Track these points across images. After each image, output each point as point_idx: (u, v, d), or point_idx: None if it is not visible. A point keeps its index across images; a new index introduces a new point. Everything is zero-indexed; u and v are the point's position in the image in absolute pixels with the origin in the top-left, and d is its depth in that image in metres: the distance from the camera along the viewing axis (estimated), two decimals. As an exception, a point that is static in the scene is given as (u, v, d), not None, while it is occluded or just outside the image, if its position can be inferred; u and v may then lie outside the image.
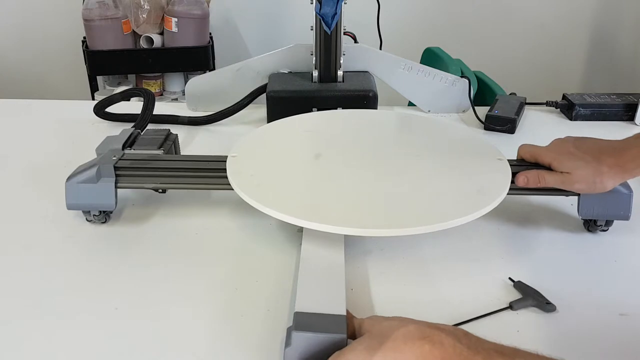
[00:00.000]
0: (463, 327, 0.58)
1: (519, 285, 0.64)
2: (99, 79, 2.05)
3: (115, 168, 0.74)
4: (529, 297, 0.62)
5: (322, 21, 0.98)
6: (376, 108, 1.02)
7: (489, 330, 0.58)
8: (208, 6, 1.98)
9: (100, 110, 1.06)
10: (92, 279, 0.66)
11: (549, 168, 0.72)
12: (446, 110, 1.13)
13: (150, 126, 0.94)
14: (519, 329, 0.59)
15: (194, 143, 1.01)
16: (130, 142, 0.81)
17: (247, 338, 0.58)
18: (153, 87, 2.07)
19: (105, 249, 0.72)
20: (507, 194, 0.69)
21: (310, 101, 1.01)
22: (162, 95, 2.11)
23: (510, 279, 0.65)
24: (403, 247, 0.72)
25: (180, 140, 1.01)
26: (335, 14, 0.97)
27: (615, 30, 2.27)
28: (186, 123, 1.07)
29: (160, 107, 1.12)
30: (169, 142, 0.83)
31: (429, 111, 1.13)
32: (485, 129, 1.06)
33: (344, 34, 1.05)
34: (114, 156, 0.75)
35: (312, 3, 0.99)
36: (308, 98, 1.02)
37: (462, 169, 0.73)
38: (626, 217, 0.72)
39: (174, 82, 2.11)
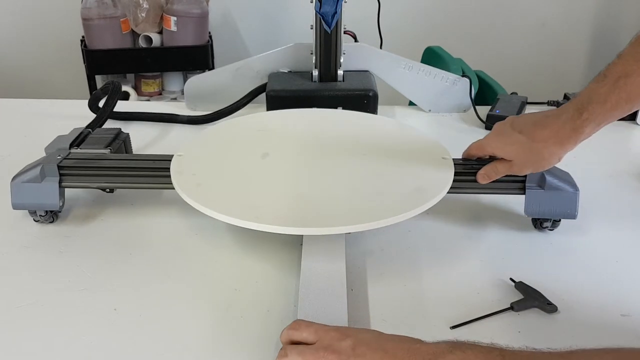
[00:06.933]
0: (464, 327, 0.58)
1: (520, 286, 0.64)
2: (98, 78, 2.04)
3: (60, 167, 0.73)
4: (530, 297, 0.62)
5: (322, 20, 0.98)
6: (376, 107, 1.02)
7: (490, 331, 0.58)
8: (207, 5, 1.97)
9: (93, 107, 1.05)
10: (92, 278, 0.66)
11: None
12: (447, 110, 1.12)
13: (148, 125, 0.93)
14: (520, 329, 0.59)
15: (194, 142, 1.01)
16: (78, 142, 0.80)
17: (247, 339, 0.57)
18: (152, 86, 2.06)
19: (104, 248, 0.71)
20: (452, 192, 0.69)
21: (310, 100, 1.01)
22: (161, 94, 2.10)
23: (511, 279, 0.65)
24: (404, 248, 0.71)
25: (179, 139, 1.01)
26: (335, 12, 0.97)
27: (617, 29, 2.27)
28: (185, 122, 1.06)
29: (159, 107, 1.12)
30: (119, 141, 0.81)
31: (430, 110, 1.13)
32: (487, 128, 1.06)
33: (344, 33, 1.04)
34: (59, 155, 0.74)
35: (312, 2, 0.99)
36: (308, 97, 1.01)
37: (406, 168, 0.72)
38: (573, 216, 0.72)
39: (173, 81, 2.10)
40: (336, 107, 0.97)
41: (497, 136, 0.72)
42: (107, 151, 0.78)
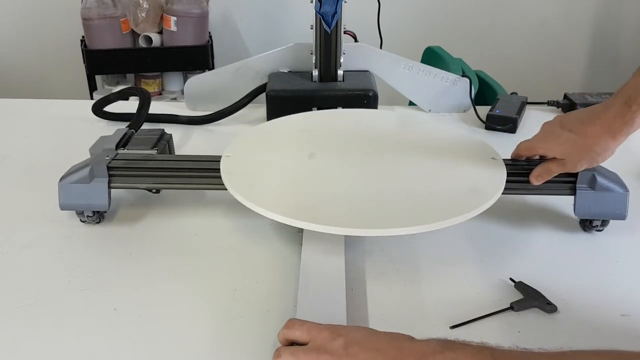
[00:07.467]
0: (463, 327, 0.58)
1: (520, 286, 0.64)
2: (98, 78, 2.04)
3: (108, 168, 0.73)
4: (530, 297, 0.62)
5: (322, 20, 0.98)
6: (376, 107, 1.02)
7: (490, 331, 0.58)
8: (207, 5, 1.97)
9: (98, 110, 1.06)
10: (92, 279, 0.66)
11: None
12: (447, 110, 1.12)
13: (147, 126, 0.94)
14: (520, 329, 0.59)
15: (193, 142, 1.01)
16: (124, 142, 0.80)
17: (247, 339, 0.57)
18: (152, 86, 2.06)
19: (104, 249, 0.71)
20: (503, 193, 0.69)
21: (310, 101, 1.01)
22: (161, 94, 2.10)
23: (511, 279, 0.65)
24: (403, 248, 0.71)
25: (179, 139, 1.01)
26: (335, 12, 0.97)
27: (617, 29, 2.27)
28: (185, 122, 1.06)
29: (160, 107, 1.12)
30: (163, 142, 0.82)
31: (430, 110, 1.13)
32: (487, 128, 1.06)
33: (344, 33, 1.04)
34: (107, 156, 0.75)
35: (312, 2, 0.99)
36: (308, 97, 1.01)
37: (457, 169, 0.72)
38: (622, 217, 0.72)
39: (173, 81, 2.10)
40: (336, 107, 0.97)
41: (547, 136, 0.72)
42: (154, 152, 0.78)
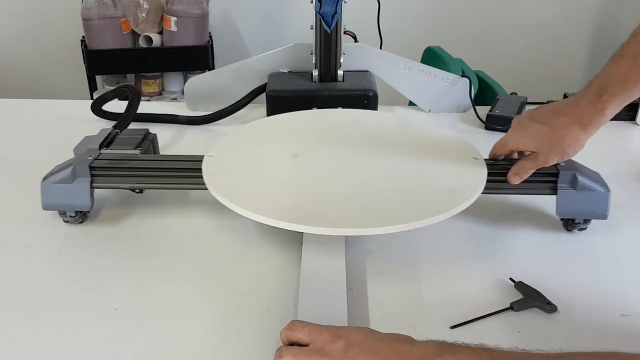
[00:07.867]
0: (463, 327, 0.58)
1: (520, 286, 0.64)
2: (98, 78, 2.04)
3: (91, 168, 0.73)
4: (530, 297, 0.62)
5: (322, 20, 0.98)
6: (376, 108, 1.02)
7: (490, 331, 0.58)
8: (207, 5, 1.97)
9: (97, 109, 1.05)
10: (92, 278, 0.66)
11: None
12: (447, 110, 1.12)
13: (148, 126, 0.93)
14: (520, 329, 0.59)
15: (193, 143, 1.01)
16: (108, 142, 0.80)
17: (247, 339, 0.57)
18: (152, 86, 2.06)
19: (104, 249, 0.71)
20: (484, 192, 0.68)
21: (310, 101, 1.01)
22: (161, 94, 2.10)
23: (511, 279, 0.65)
24: (403, 248, 0.71)
25: (178, 139, 1.01)
26: (335, 13, 0.97)
27: (617, 29, 2.26)
28: (185, 122, 1.07)
29: (160, 107, 1.12)
30: (147, 142, 0.82)
31: (430, 111, 1.13)
32: (486, 128, 1.06)
33: (344, 33, 1.05)
34: (90, 156, 0.75)
35: (312, 2, 0.99)
36: (308, 97, 1.01)
37: (437, 168, 0.72)
38: (604, 217, 0.72)
39: (173, 81, 2.10)
40: (336, 107, 0.97)
41: (518, 130, 0.71)
42: (137, 152, 0.78)
